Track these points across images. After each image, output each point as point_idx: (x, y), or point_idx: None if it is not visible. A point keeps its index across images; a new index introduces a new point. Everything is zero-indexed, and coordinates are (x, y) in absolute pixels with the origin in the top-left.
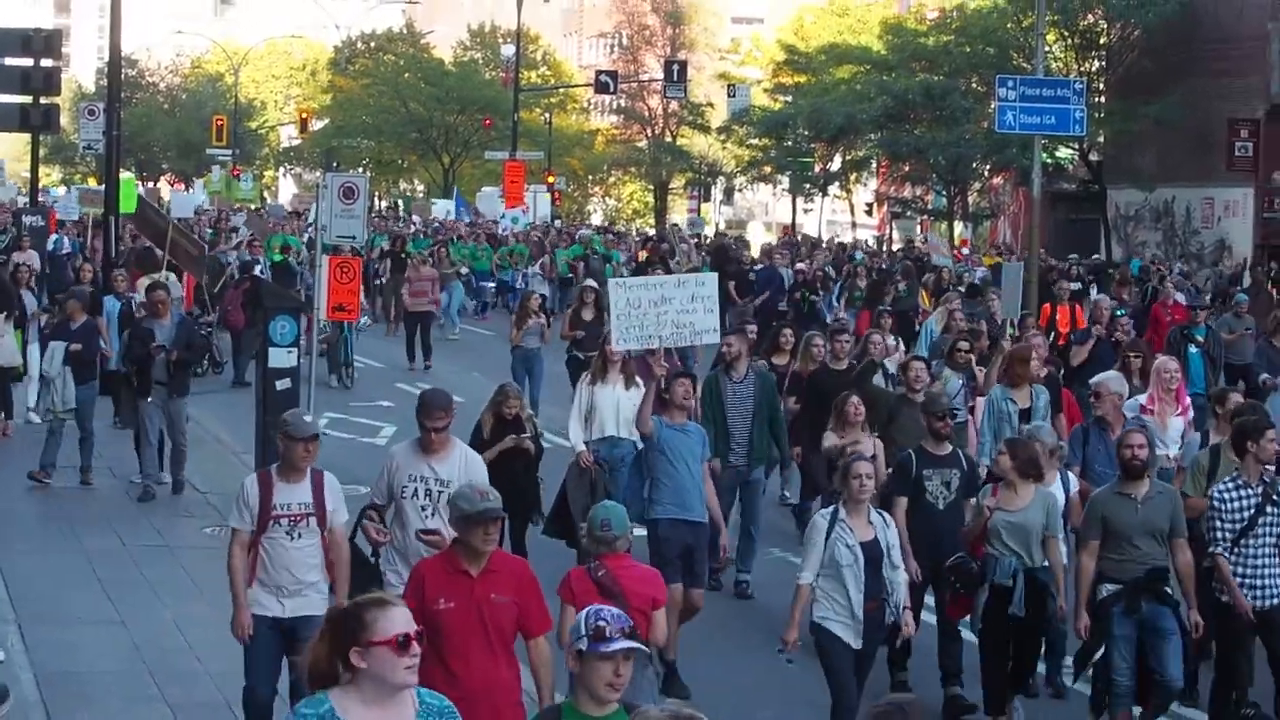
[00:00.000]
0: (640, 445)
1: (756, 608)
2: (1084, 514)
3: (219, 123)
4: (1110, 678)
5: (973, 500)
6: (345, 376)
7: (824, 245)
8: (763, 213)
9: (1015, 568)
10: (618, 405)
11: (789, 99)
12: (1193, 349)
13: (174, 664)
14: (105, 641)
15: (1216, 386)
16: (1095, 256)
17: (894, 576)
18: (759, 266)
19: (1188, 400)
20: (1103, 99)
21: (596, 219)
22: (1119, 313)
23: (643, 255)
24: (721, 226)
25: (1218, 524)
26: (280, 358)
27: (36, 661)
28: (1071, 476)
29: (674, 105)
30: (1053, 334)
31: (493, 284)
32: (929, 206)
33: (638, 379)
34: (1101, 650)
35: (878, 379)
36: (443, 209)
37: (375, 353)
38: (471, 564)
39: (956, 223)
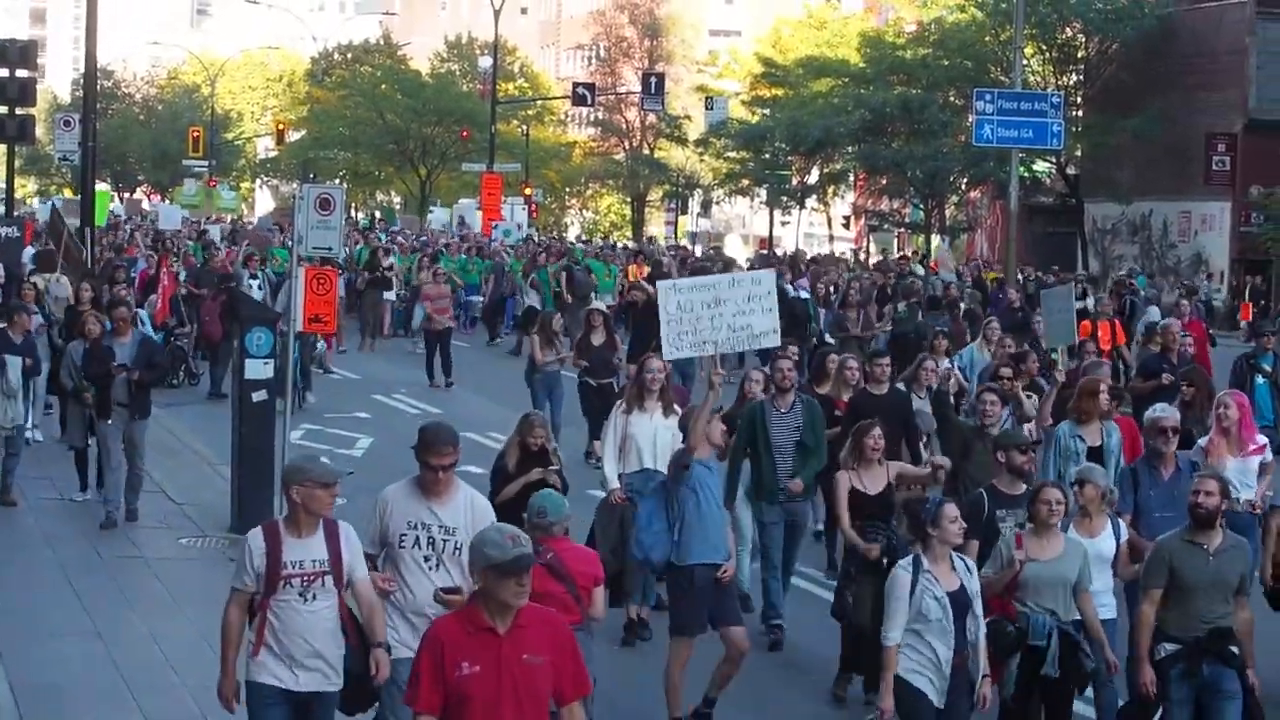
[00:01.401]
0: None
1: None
2: (1148, 559)
3: (195, 134)
4: None
5: (999, 549)
6: (298, 396)
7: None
8: (740, 225)
9: (1050, 626)
10: (655, 436)
11: (766, 112)
12: (1260, 379)
13: (151, 677)
14: (81, 654)
15: None
16: (1080, 272)
17: (977, 631)
18: None
19: (1262, 439)
20: (1080, 113)
21: (574, 232)
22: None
23: (633, 270)
24: (694, 241)
25: None
26: (256, 369)
27: (12, 673)
28: (1122, 524)
29: (651, 118)
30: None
31: (480, 299)
32: (906, 220)
33: (675, 406)
34: (1159, 714)
35: (919, 405)
36: (439, 221)
37: (353, 365)
38: (498, 620)
39: (933, 236)
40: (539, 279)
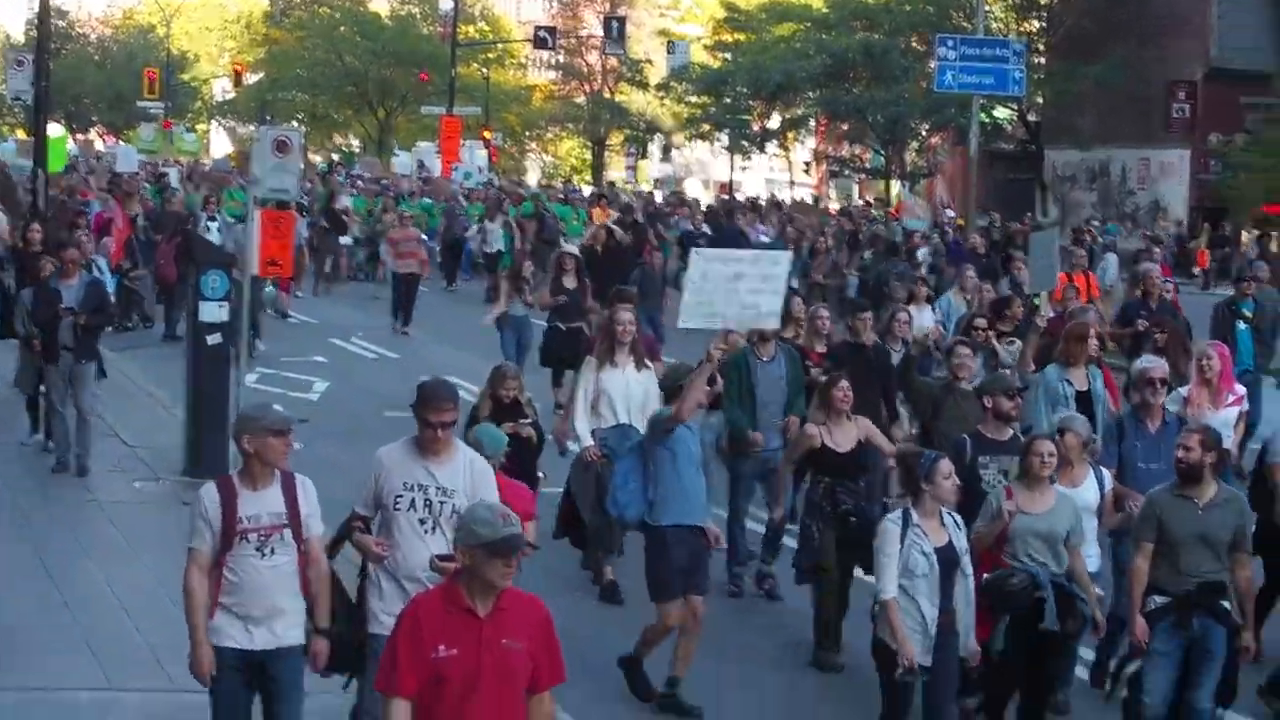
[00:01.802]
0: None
1: (763, 609)
2: (1140, 512)
3: (151, 75)
4: (1138, 699)
5: (989, 501)
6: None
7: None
8: (700, 170)
9: (1047, 579)
10: (627, 390)
11: (728, 56)
12: (1241, 325)
13: (105, 621)
14: (35, 598)
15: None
16: (1029, 216)
17: (965, 588)
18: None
19: (1240, 389)
20: (1042, 60)
21: (533, 176)
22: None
23: (597, 213)
24: (653, 185)
25: None
26: (211, 312)
27: None
28: (1106, 474)
29: (613, 62)
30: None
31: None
32: (867, 165)
33: (648, 361)
34: (1137, 665)
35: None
36: (403, 165)
37: (309, 309)
38: (480, 602)
39: (894, 182)
40: (512, 219)
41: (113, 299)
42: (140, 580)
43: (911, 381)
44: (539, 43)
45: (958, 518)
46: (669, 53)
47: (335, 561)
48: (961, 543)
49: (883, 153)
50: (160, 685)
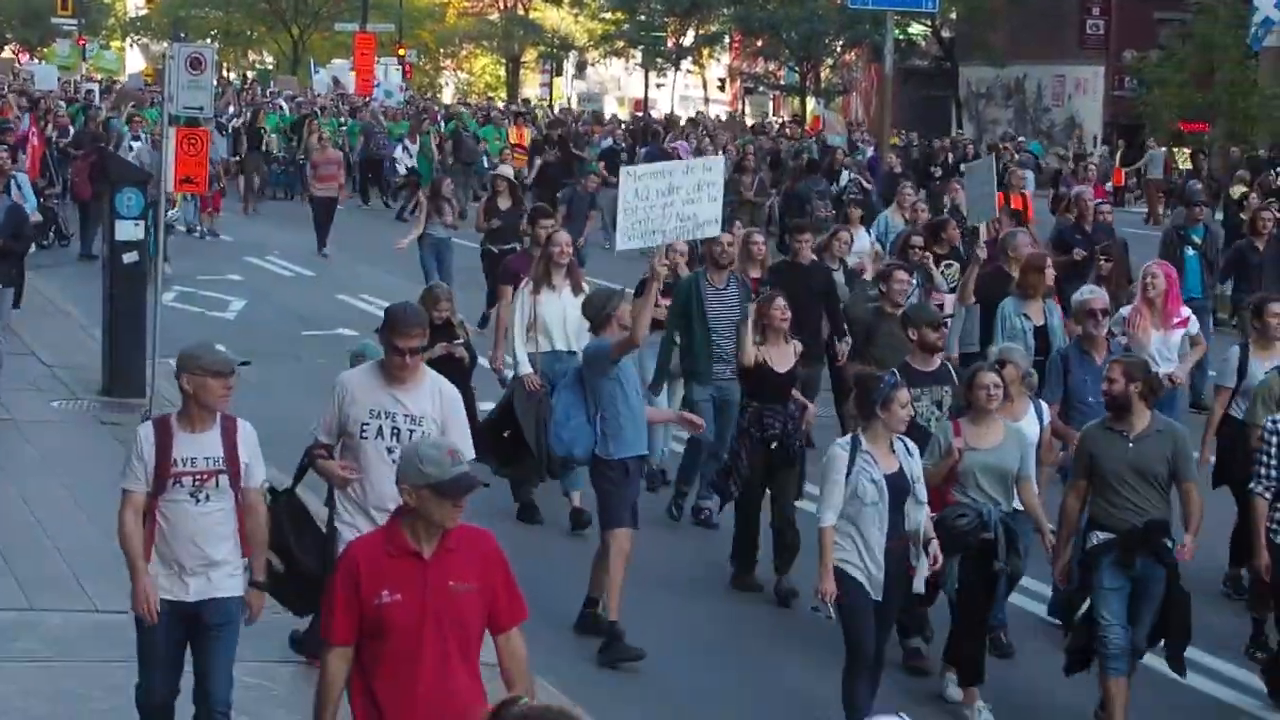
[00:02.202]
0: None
1: (711, 544)
2: (1075, 450)
3: None
4: (1099, 635)
5: (936, 439)
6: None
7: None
8: (615, 88)
9: (997, 517)
10: (564, 315)
11: None
12: (1190, 251)
13: (21, 539)
14: None
15: (1239, 294)
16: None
17: (918, 513)
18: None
19: (1185, 311)
20: None
21: (448, 93)
22: (1099, 203)
23: (513, 133)
24: (574, 102)
25: (1265, 459)
26: (127, 230)
27: None
28: (1045, 408)
29: None
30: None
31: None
32: (781, 82)
33: (584, 284)
34: (1086, 605)
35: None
36: (322, 83)
37: (226, 228)
38: (424, 544)
39: (809, 99)
40: (424, 141)
41: (35, 218)
42: (57, 498)
43: (852, 305)
44: None
45: (910, 444)
46: None
47: (302, 492)
48: (914, 470)
49: (797, 70)
50: (81, 606)
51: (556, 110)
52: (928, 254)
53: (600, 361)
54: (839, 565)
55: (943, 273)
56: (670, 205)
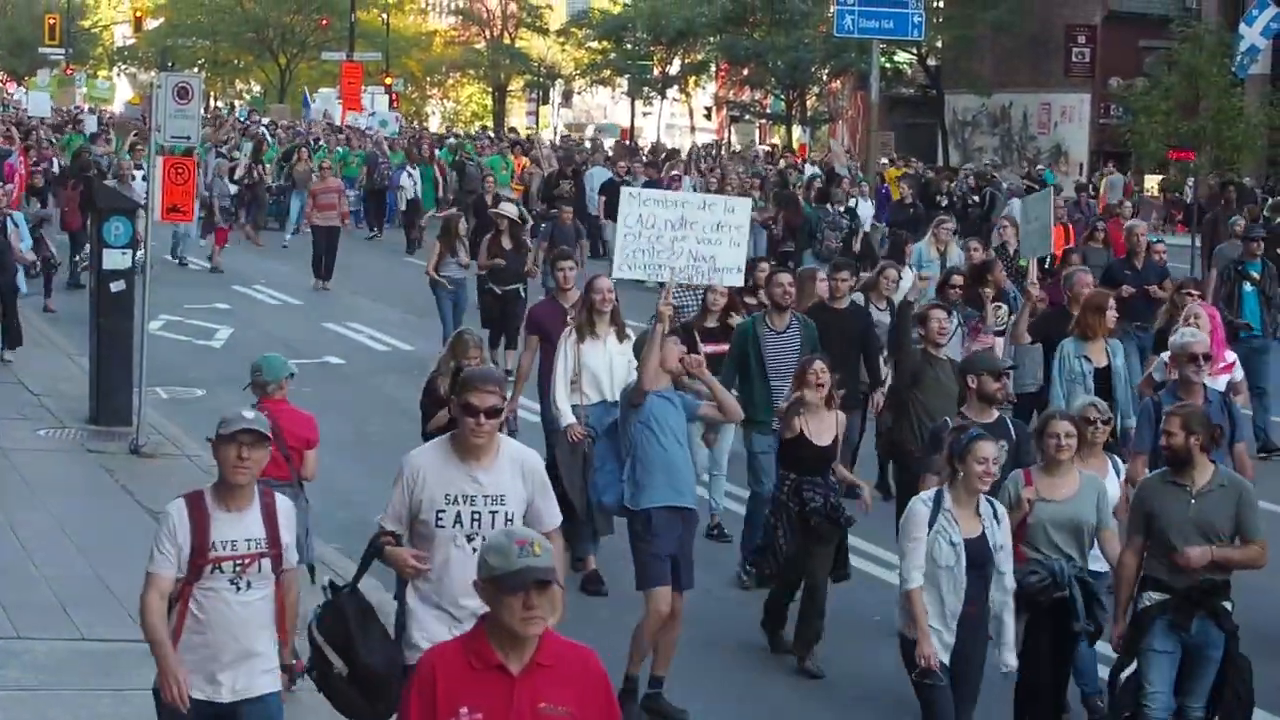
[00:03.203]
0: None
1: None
2: (1130, 504)
3: (52, 21)
4: (1142, 702)
5: (1005, 489)
6: None
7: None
8: (601, 116)
9: (1071, 574)
10: (610, 364)
11: (628, 1)
12: (1248, 287)
13: (7, 567)
14: None
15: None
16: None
17: (1000, 594)
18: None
19: (1230, 356)
20: (941, 4)
21: (435, 122)
22: (1154, 238)
23: (515, 164)
24: (560, 130)
25: None
26: (115, 259)
27: None
28: (1121, 463)
29: (512, 7)
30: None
31: (358, 191)
32: (767, 111)
33: (629, 330)
34: (1133, 667)
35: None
36: (317, 110)
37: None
38: (510, 654)
39: (795, 127)
40: (427, 170)
41: (29, 256)
42: (44, 526)
43: (904, 345)
44: None
45: (999, 508)
46: None
47: (365, 587)
48: (998, 538)
49: (783, 98)
50: (67, 634)
51: (558, 139)
52: (986, 291)
53: (625, 403)
54: (908, 632)
55: (993, 312)
56: (681, 240)
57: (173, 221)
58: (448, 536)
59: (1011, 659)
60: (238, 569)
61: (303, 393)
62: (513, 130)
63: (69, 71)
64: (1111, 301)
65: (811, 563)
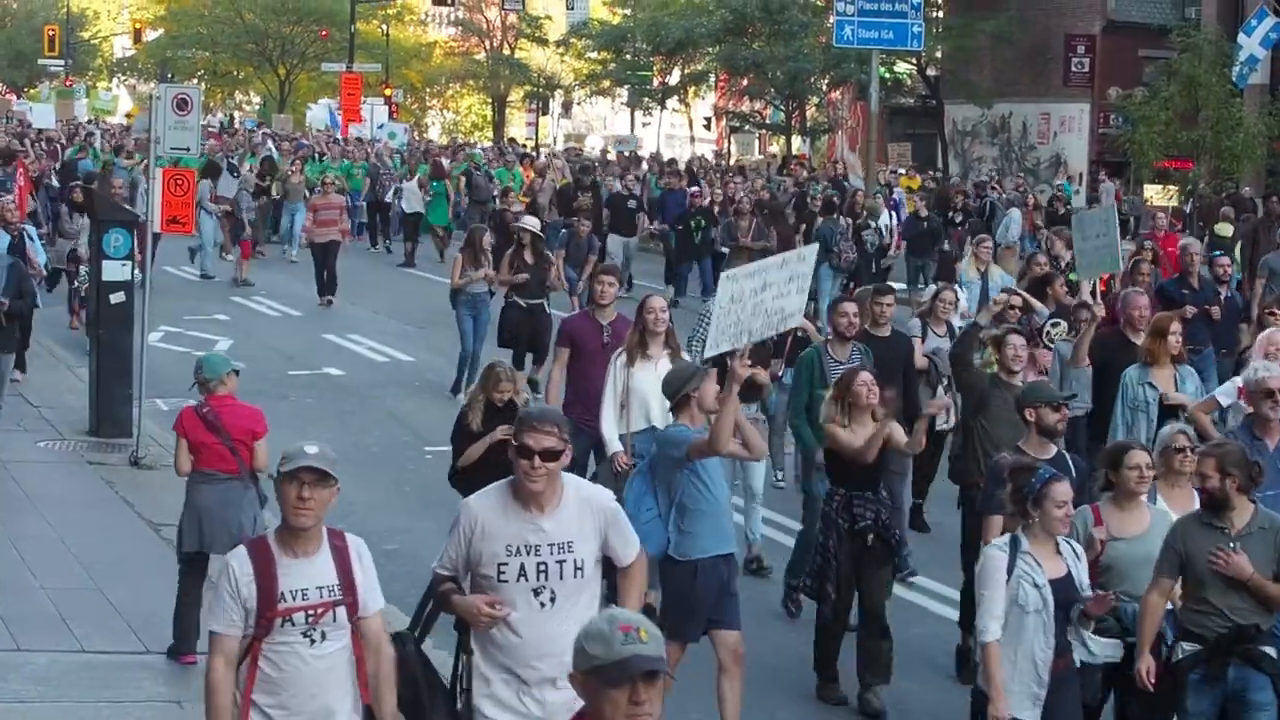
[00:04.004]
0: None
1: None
2: (1162, 542)
3: (51, 32)
4: None
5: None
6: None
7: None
8: (601, 126)
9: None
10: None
11: (628, 12)
12: None
13: (7, 579)
14: None
15: None
16: (937, 172)
17: (1097, 645)
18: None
19: None
20: (940, 14)
21: (435, 132)
22: (1215, 253)
23: (531, 176)
24: (560, 140)
25: None
26: (114, 271)
27: None
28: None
29: (512, 18)
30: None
31: (363, 204)
32: (767, 121)
33: (684, 353)
34: None
35: (934, 344)
36: (319, 118)
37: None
38: None
39: (794, 137)
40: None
41: (44, 273)
42: (44, 538)
43: (967, 367)
44: None
45: (1077, 546)
46: (568, 9)
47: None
48: (1083, 575)
49: (783, 108)
50: (67, 646)
51: (556, 150)
52: (1060, 289)
53: (672, 455)
54: (980, 687)
55: (1047, 332)
56: (760, 304)
57: (172, 233)
58: (513, 591)
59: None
60: (310, 620)
61: (303, 404)
62: (512, 140)
63: (69, 83)
64: (1176, 325)
65: (866, 580)
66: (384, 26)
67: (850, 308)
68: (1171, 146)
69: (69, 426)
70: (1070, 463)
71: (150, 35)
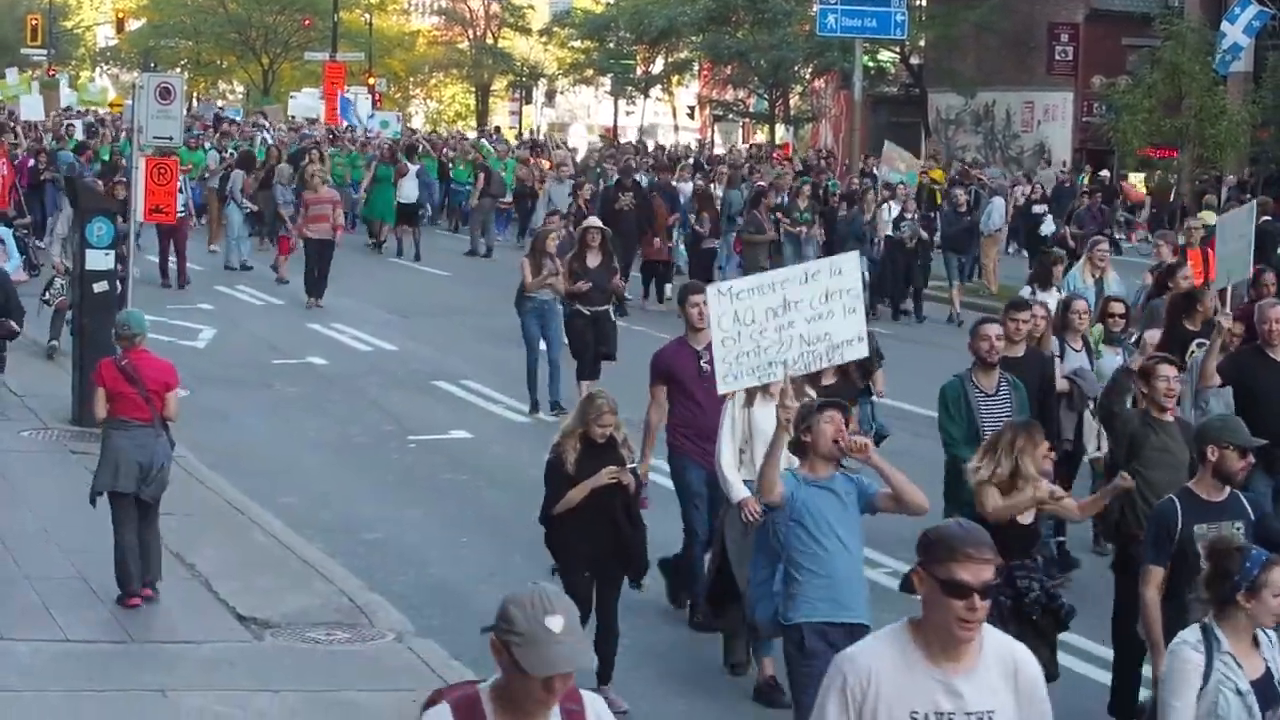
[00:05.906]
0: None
1: None
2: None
3: (33, 22)
4: None
5: None
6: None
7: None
8: (585, 115)
9: None
10: None
11: (610, 1)
12: None
13: None
14: None
15: None
16: (927, 161)
17: None
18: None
19: None
20: (924, 2)
21: (418, 121)
22: None
23: (547, 166)
24: (544, 129)
25: None
26: (98, 260)
27: None
28: None
29: (495, 7)
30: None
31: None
32: (750, 110)
33: (809, 388)
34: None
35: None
36: (301, 106)
37: (196, 257)
38: None
39: (778, 126)
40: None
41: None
42: (26, 527)
43: (1116, 407)
44: None
45: (1271, 634)
46: None
47: None
48: None
49: (766, 97)
50: (50, 635)
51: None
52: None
53: (754, 516)
54: None
55: (1191, 353)
56: (789, 328)
57: (155, 221)
58: None
59: None
60: None
61: (287, 393)
62: (497, 129)
63: (51, 73)
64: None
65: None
66: (367, 15)
67: (993, 329)
68: (1155, 134)
69: (52, 416)
70: (1245, 505)
71: (133, 25)
